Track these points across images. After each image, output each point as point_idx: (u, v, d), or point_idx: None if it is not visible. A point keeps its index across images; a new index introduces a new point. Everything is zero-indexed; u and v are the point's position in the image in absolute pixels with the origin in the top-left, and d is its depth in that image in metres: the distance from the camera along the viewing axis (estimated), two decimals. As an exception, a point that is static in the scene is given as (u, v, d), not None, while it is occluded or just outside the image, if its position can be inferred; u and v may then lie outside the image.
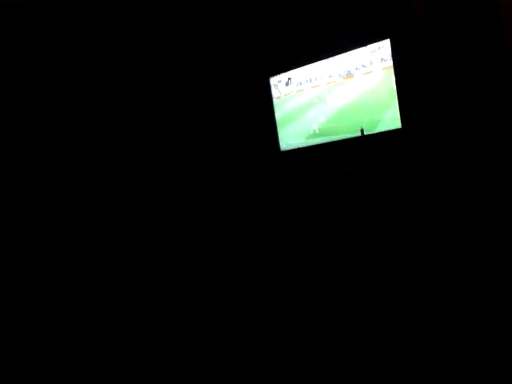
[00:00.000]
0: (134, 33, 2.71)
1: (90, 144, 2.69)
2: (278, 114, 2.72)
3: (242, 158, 2.86)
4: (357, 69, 2.39)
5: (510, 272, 1.96)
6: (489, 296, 2.01)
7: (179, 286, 2.72)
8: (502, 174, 1.99)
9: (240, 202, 2.83)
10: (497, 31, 1.94)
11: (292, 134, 2.70)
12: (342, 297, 2.43)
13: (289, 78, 2.62)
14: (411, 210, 2.23)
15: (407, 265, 2.24)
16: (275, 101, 2.70)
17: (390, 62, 2.24)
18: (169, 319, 2.58)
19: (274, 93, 2.70)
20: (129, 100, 2.76)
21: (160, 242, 2.78)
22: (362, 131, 2.41)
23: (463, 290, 2.09)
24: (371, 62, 2.32)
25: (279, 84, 2.66)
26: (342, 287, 2.45)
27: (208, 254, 2.81)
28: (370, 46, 2.30)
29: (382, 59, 2.28)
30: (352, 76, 2.42)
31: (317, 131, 2.59)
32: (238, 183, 2.85)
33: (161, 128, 2.84)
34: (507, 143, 1.98)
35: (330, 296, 2.47)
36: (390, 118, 2.29)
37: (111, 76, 2.72)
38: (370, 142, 2.37)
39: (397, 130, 2.27)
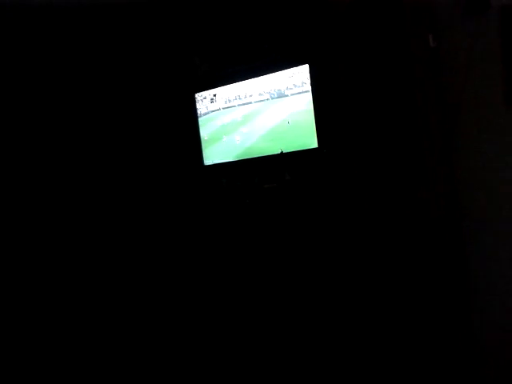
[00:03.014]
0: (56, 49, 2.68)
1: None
2: (203, 129, 2.77)
3: (167, 171, 2.87)
4: (277, 91, 2.52)
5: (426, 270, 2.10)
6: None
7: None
8: (412, 178, 2.16)
9: (162, 211, 2.85)
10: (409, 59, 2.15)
11: (215, 150, 2.76)
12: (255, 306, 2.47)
13: (214, 95, 2.69)
14: (325, 222, 2.35)
15: (322, 278, 2.34)
16: (200, 117, 2.76)
17: (309, 87, 2.39)
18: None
19: (199, 109, 2.75)
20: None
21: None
22: (281, 152, 2.53)
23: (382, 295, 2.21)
24: (292, 85, 2.45)
25: (204, 100, 2.72)
26: (252, 298, 2.50)
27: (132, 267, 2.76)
28: (289, 70, 2.44)
29: (302, 83, 2.42)
30: (271, 98, 2.54)
31: (238, 149, 2.67)
32: (162, 194, 2.87)
33: (81, 141, 2.78)
34: (414, 152, 2.16)
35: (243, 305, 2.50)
36: (308, 139, 2.42)
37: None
38: (289, 160, 2.48)
39: (314, 149, 2.40)
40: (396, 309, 2.14)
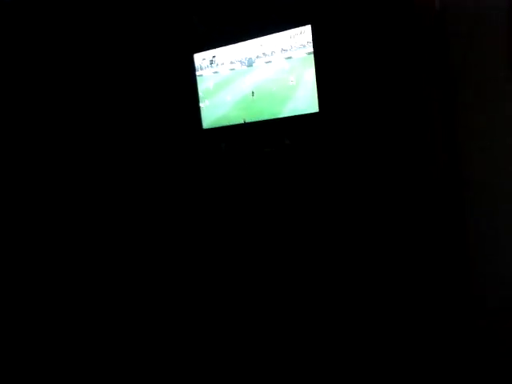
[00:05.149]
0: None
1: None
2: (202, 91, 2.72)
3: (165, 135, 2.83)
4: (276, 52, 2.46)
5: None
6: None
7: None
8: (414, 143, 2.16)
9: (163, 177, 2.82)
10: (414, 23, 2.11)
11: (214, 113, 2.71)
12: (255, 280, 2.49)
13: (213, 56, 2.62)
14: (326, 190, 2.36)
15: (322, 248, 2.36)
16: (199, 78, 2.70)
17: (311, 48, 2.34)
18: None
19: (198, 71, 2.69)
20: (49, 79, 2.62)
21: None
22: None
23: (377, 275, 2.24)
24: (292, 47, 2.40)
25: (203, 62, 2.66)
26: (254, 266, 2.52)
27: (130, 234, 2.75)
28: (291, 31, 2.38)
29: (302, 44, 2.37)
30: (271, 60, 2.49)
31: (237, 111, 2.63)
32: (161, 159, 2.83)
33: (79, 106, 2.73)
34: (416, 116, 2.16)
35: (242, 279, 2.52)
36: (308, 102, 2.39)
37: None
38: (288, 125, 2.46)
39: (315, 113, 2.38)
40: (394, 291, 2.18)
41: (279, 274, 2.45)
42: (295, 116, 2.44)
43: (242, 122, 2.59)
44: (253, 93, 2.58)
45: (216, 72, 2.66)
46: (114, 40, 2.77)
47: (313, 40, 2.32)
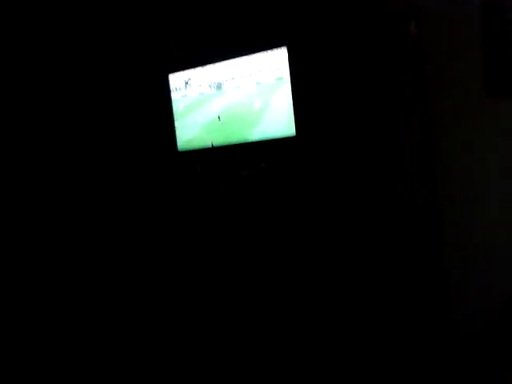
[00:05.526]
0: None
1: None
2: (177, 113, 2.68)
3: (141, 157, 2.77)
4: (249, 75, 2.43)
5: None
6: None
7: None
8: (390, 167, 2.14)
9: (140, 199, 2.77)
10: (389, 47, 2.10)
11: (185, 135, 2.67)
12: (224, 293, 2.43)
13: (189, 78, 2.59)
14: (301, 210, 2.31)
15: (297, 265, 2.31)
16: (175, 100, 2.66)
17: (287, 70, 2.31)
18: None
19: (174, 93, 2.65)
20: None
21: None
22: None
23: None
24: (266, 69, 2.37)
25: (179, 83, 2.62)
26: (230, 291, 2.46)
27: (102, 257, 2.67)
28: (266, 53, 2.35)
29: (277, 67, 2.34)
30: (242, 83, 2.46)
31: (205, 135, 2.60)
32: (138, 180, 2.78)
33: (48, 127, 2.66)
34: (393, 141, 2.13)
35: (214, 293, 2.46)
36: (283, 126, 2.35)
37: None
38: (263, 148, 2.41)
39: (291, 137, 2.34)
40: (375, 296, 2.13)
41: (251, 298, 2.38)
42: (270, 140, 2.40)
43: (210, 145, 2.55)
44: (219, 117, 2.56)
45: (184, 95, 2.64)
46: (92, 58, 2.72)
47: (289, 62, 2.29)
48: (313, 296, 2.26)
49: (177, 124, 2.68)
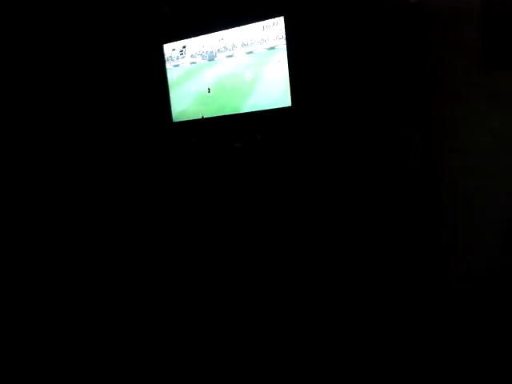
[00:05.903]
0: None
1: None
2: (171, 83, 2.63)
3: (135, 128, 2.73)
4: (248, 45, 2.37)
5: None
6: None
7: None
8: (387, 140, 2.12)
9: (134, 171, 2.74)
10: (389, 17, 2.06)
11: (178, 107, 2.62)
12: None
13: (183, 47, 2.53)
14: (298, 184, 2.29)
15: (293, 242, 2.30)
16: (169, 70, 2.60)
17: (283, 40, 2.26)
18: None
19: (168, 63, 2.59)
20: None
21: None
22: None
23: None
24: (264, 39, 2.31)
25: (173, 52, 2.56)
26: (227, 266, 2.46)
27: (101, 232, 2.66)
28: (263, 22, 2.29)
29: (273, 37, 2.29)
30: (235, 53, 2.41)
31: (196, 107, 2.56)
32: (131, 153, 2.74)
33: (44, 100, 2.60)
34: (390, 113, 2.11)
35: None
36: (278, 97, 2.31)
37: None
38: (260, 120, 2.38)
39: (287, 108, 2.30)
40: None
41: (248, 274, 2.39)
42: (265, 111, 2.36)
43: (200, 117, 2.52)
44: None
45: (177, 65, 2.58)
46: (84, 29, 2.64)
47: (286, 32, 2.24)
48: (309, 279, 2.26)
49: (171, 94, 2.62)
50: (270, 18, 2.26)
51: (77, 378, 2.22)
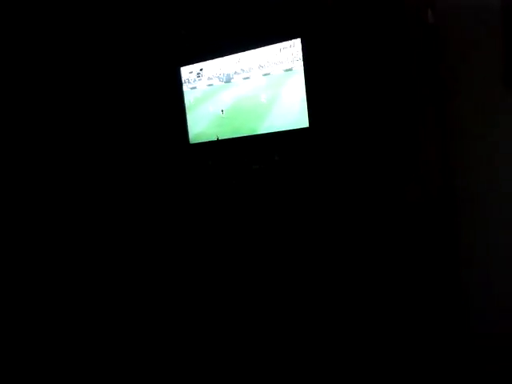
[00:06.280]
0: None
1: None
2: (188, 105, 2.65)
3: (153, 150, 2.74)
4: (265, 66, 2.38)
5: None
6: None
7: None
8: (402, 170, 2.11)
9: (151, 190, 2.74)
10: (406, 37, 2.06)
11: (195, 129, 2.64)
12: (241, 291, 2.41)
13: (200, 69, 2.55)
14: (315, 205, 2.28)
15: (309, 261, 2.28)
16: (186, 93, 2.62)
17: (300, 62, 2.27)
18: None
19: (185, 85, 2.61)
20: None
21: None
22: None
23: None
24: (281, 61, 2.33)
25: (190, 75, 2.58)
26: (240, 281, 2.44)
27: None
28: (280, 44, 2.31)
29: (289, 59, 2.30)
30: (252, 75, 2.43)
31: (212, 129, 2.58)
32: (150, 173, 2.76)
33: (60, 120, 2.63)
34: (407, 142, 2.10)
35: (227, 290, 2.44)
36: (297, 117, 2.32)
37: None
38: (278, 141, 2.38)
39: (305, 128, 2.30)
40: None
41: (263, 293, 2.36)
42: (282, 132, 2.36)
43: (216, 139, 2.54)
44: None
45: (194, 88, 2.61)
46: (101, 51, 2.68)
47: (303, 53, 2.25)
48: (323, 293, 2.23)
49: (188, 116, 2.64)
50: (287, 40, 2.28)
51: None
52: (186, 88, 2.62)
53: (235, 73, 2.46)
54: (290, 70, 2.31)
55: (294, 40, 2.26)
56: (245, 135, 2.46)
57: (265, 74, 2.39)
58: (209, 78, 2.55)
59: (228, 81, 2.50)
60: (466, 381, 2.04)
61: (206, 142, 2.59)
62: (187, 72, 2.60)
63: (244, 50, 2.40)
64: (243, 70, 2.43)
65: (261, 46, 2.35)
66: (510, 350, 1.98)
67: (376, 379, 2.03)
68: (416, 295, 2.08)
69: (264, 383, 2.10)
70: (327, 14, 2.17)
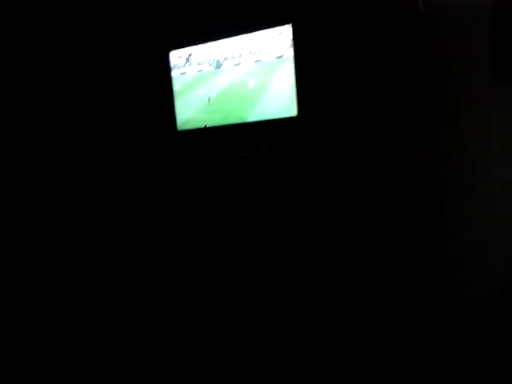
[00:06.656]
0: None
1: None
2: (177, 91, 2.61)
3: (139, 136, 2.71)
4: (250, 53, 2.35)
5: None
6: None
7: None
8: (390, 163, 2.10)
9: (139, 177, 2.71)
10: (397, 25, 2.05)
11: (183, 115, 2.61)
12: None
13: (189, 55, 2.52)
14: (303, 193, 2.27)
15: (296, 251, 2.27)
16: (174, 78, 2.59)
17: (290, 49, 2.25)
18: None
19: (174, 71, 2.58)
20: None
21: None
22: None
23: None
24: (272, 48, 2.30)
25: (179, 60, 2.55)
26: (226, 274, 2.43)
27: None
28: (271, 30, 2.28)
29: (280, 45, 2.27)
30: (242, 61, 2.40)
31: (200, 115, 2.54)
32: (135, 161, 2.73)
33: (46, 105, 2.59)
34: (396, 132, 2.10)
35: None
36: (284, 106, 2.30)
37: None
38: (266, 129, 2.36)
39: (292, 117, 2.29)
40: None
41: (248, 282, 2.35)
42: (270, 120, 2.34)
43: (204, 126, 2.51)
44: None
45: (184, 73, 2.57)
46: (90, 37, 2.64)
47: (293, 40, 2.23)
48: (313, 289, 2.23)
49: (177, 102, 2.61)
50: (278, 25, 2.25)
51: (76, 377, 2.19)
52: (175, 73, 2.59)
53: (225, 59, 2.43)
54: (281, 57, 2.28)
55: (284, 26, 2.23)
56: (234, 123, 2.43)
57: (256, 61, 2.36)
58: (199, 64, 2.52)
59: (218, 66, 2.47)
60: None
61: (194, 129, 2.56)
62: (176, 57, 2.56)
63: (234, 35, 2.37)
64: (233, 57, 2.41)
65: (251, 32, 2.32)
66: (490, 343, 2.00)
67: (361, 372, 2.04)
68: (401, 287, 2.08)
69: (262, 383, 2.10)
70: (318, 1, 2.15)
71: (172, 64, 2.57)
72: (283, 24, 2.23)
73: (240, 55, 2.38)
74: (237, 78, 2.43)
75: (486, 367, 2.01)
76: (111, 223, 2.69)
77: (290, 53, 2.25)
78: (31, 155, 2.56)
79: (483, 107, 1.97)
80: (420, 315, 2.07)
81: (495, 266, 1.98)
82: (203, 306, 2.45)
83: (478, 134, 1.99)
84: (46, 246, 2.55)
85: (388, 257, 2.08)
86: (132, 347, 2.37)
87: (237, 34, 2.36)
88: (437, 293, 2.12)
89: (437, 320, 2.11)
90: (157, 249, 2.62)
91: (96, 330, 2.49)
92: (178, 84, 2.60)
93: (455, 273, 2.08)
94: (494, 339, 2.00)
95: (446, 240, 2.13)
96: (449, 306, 2.11)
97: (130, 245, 2.67)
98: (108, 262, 2.65)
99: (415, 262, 2.08)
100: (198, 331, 2.40)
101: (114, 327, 2.50)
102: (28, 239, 2.52)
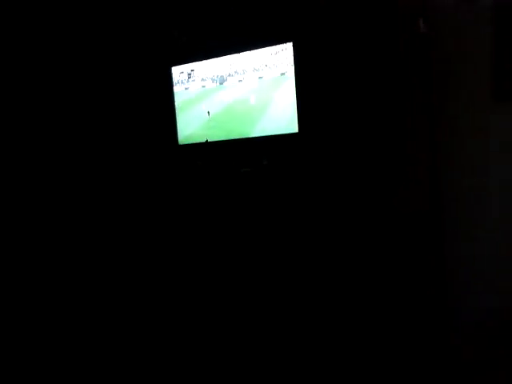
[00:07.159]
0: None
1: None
2: (179, 106, 2.63)
3: (142, 150, 2.73)
4: (253, 70, 2.38)
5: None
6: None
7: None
8: (391, 180, 2.10)
9: (140, 191, 2.73)
10: (398, 46, 2.06)
11: (185, 130, 2.63)
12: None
13: (192, 70, 2.54)
14: (304, 208, 2.26)
15: (294, 265, 2.26)
16: (177, 93, 2.61)
17: (291, 66, 2.27)
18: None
19: (176, 86, 2.60)
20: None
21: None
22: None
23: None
24: (276, 64, 2.32)
25: (181, 75, 2.57)
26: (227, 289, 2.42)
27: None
28: (273, 48, 2.30)
29: (281, 63, 2.29)
30: (245, 78, 2.42)
31: (202, 131, 2.57)
32: (139, 174, 2.74)
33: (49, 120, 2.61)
34: (396, 150, 2.09)
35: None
36: (285, 123, 2.31)
37: None
38: (267, 145, 2.37)
39: (294, 133, 2.29)
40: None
41: (251, 295, 2.34)
42: (272, 136, 2.35)
43: (205, 140, 2.53)
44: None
45: (187, 88, 2.60)
46: (94, 50, 2.67)
47: (294, 58, 2.24)
48: (314, 296, 2.22)
49: (178, 117, 2.63)
50: (279, 43, 2.27)
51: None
52: (178, 89, 2.61)
53: (229, 75, 2.45)
54: (284, 74, 2.30)
55: (286, 44, 2.25)
56: (234, 138, 2.44)
57: (260, 78, 2.38)
58: (202, 80, 2.54)
59: (221, 82, 2.49)
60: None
61: (195, 144, 2.57)
62: (178, 72, 2.59)
63: (236, 52, 2.39)
64: (237, 73, 2.42)
65: (253, 49, 2.34)
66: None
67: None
68: (402, 293, 2.07)
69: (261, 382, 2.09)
70: (320, 20, 2.17)
71: (175, 80, 2.60)
72: (285, 42, 2.25)
73: (244, 71, 2.40)
74: (240, 95, 2.45)
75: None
76: (114, 233, 2.70)
77: (291, 70, 2.26)
78: (43, 169, 2.60)
79: (484, 126, 1.96)
80: (421, 321, 2.05)
81: (495, 266, 1.95)
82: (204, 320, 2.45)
83: (479, 153, 1.98)
84: (52, 254, 2.58)
85: (392, 266, 2.07)
86: (132, 346, 2.37)
87: (238, 51, 2.39)
88: (437, 298, 2.08)
89: (437, 323, 2.08)
90: (158, 260, 2.62)
91: (96, 330, 2.48)
92: (180, 99, 2.62)
93: (455, 272, 2.05)
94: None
95: (447, 240, 2.10)
96: (449, 313, 2.08)
97: (131, 255, 2.67)
98: (110, 273, 2.65)
99: (417, 271, 2.06)
100: (198, 331, 2.39)
101: (114, 327, 2.49)
102: (36, 244, 2.55)
